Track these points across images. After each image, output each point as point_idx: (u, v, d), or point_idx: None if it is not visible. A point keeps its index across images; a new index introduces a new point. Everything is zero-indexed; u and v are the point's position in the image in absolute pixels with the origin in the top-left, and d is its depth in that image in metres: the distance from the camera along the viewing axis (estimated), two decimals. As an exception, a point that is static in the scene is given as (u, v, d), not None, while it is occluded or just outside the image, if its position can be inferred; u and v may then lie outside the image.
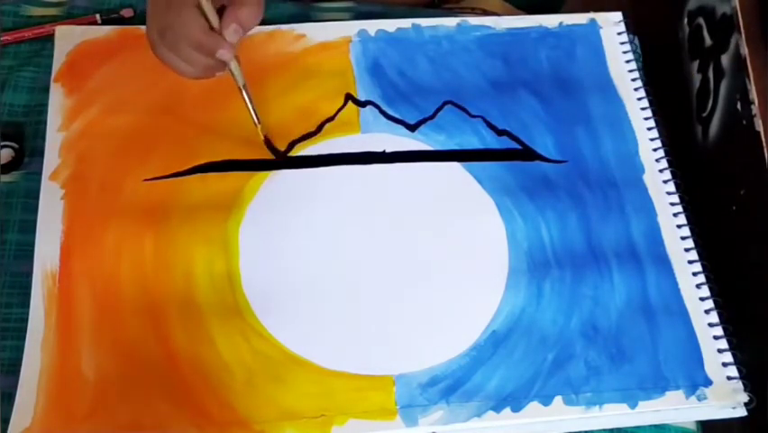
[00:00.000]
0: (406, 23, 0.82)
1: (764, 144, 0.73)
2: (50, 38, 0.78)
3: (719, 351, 0.68)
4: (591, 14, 0.84)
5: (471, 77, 0.80)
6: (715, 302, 0.70)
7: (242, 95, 0.70)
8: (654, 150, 0.77)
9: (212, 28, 0.64)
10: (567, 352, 0.67)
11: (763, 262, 0.75)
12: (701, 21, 0.87)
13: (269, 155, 0.74)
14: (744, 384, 0.66)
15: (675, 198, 0.75)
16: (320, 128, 0.76)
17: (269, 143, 0.74)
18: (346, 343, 0.67)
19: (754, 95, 0.75)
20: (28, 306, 0.67)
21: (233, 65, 0.68)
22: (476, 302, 0.69)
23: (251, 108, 0.72)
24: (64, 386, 0.64)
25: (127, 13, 0.81)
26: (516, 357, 0.67)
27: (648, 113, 0.79)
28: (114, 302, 0.67)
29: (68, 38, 0.78)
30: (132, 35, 0.79)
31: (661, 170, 0.76)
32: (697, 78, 0.87)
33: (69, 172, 0.72)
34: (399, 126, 0.77)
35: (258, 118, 0.72)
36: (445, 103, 0.78)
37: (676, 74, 0.90)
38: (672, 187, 0.75)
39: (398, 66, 0.80)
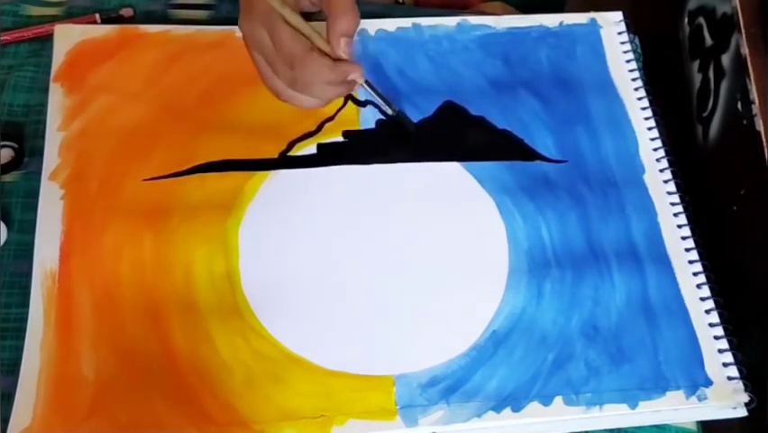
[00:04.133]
0: (406, 22, 0.82)
1: (765, 144, 0.73)
2: (49, 38, 0.78)
3: (720, 351, 0.68)
4: (592, 14, 0.84)
5: (471, 76, 0.80)
6: (715, 302, 0.70)
7: (368, 90, 0.71)
8: (655, 150, 0.77)
9: (329, 56, 0.66)
10: (567, 352, 0.67)
11: (763, 262, 0.75)
12: (702, 20, 0.87)
13: (268, 155, 0.74)
14: (744, 384, 0.66)
15: (675, 198, 0.75)
16: (320, 128, 0.76)
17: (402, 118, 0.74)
18: (346, 343, 0.67)
19: (754, 95, 0.75)
20: (27, 306, 0.66)
21: (359, 78, 0.68)
22: (476, 302, 0.69)
23: (379, 99, 0.72)
24: (63, 386, 0.64)
25: (127, 12, 0.81)
26: (517, 357, 0.67)
27: (648, 113, 0.79)
28: (114, 302, 0.67)
29: (67, 37, 0.78)
30: (131, 34, 0.79)
31: (661, 170, 0.76)
32: (697, 77, 0.87)
33: (69, 172, 0.72)
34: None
35: (387, 101, 0.73)
36: (445, 103, 0.78)
37: (676, 74, 0.90)
38: (672, 187, 0.75)
39: (398, 65, 0.80)
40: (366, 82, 0.70)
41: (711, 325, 0.69)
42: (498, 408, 0.65)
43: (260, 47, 0.66)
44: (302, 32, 0.65)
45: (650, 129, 0.78)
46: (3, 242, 0.70)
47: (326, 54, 0.66)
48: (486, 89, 0.79)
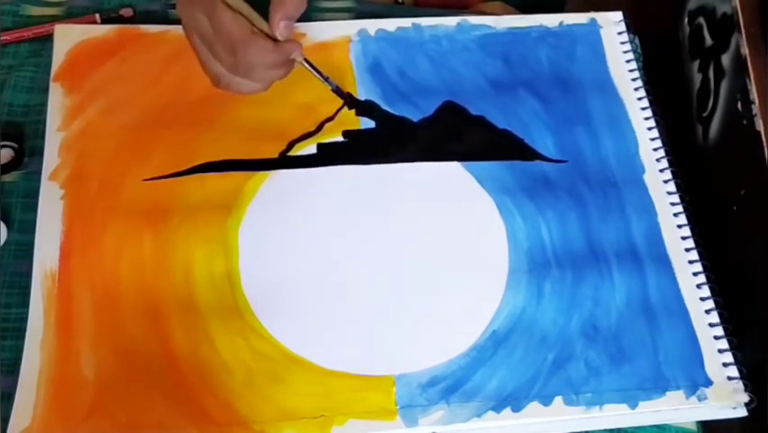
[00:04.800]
0: (406, 22, 0.82)
1: (765, 144, 0.73)
2: (49, 37, 0.78)
3: (720, 351, 0.68)
4: (592, 14, 0.84)
5: (472, 76, 0.80)
6: (715, 302, 0.70)
7: (306, 68, 0.69)
8: (655, 150, 0.77)
9: (269, 36, 0.65)
10: (567, 352, 0.67)
11: (763, 262, 0.75)
12: (702, 20, 0.87)
13: (268, 155, 0.74)
14: (744, 384, 0.66)
15: (675, 198, 0.74)
16: (320, 128, 0.76)
17: (339, 92, 0.73)
18: (346, 343, 0.67)
19: (754, 95, 0.75)
20: (27, 306, 0.67)
21: (299, 57, 0.67)
22: (476, 302, 0.69)
23: (319, 75, 0.70)
24: (63, 386, 0.64)
25: (127, 12, 0.81)
26: (517, 357, 0.67)
27: (648, 113, 0.79)
28: (114, 302, 0.67)
29: (67, 37, 0.78)
30: (131, 34, 0.79)
31: (661, 170, 0.76)
32: (697, 77, 0.87)
33: (69, 172, 0.72)
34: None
35: (326, 78, 0.71)
36: (445, 103, 0.78)
37: (676, 74, 0.90)
38: (672, 187, 0.75)
39: (398, 65, 0.80)
40: (305, 60, 0.69)
41: (711, 325, 0.69)
42: (498, 408, 0.65)
43: (199, 31, 0.64)
44: (242, 14, 0.63)
45: (650, 129, 0.78)
46: (3, 242, 0.70)
47: (267, 36, 0.65)
48: (486, 89, 0.79)
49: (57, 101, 0.75)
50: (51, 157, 0.73)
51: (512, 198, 0.74)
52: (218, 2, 0.63)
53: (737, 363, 0.67)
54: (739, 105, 0.77)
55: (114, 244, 0.69)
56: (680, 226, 0.73)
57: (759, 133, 0.74)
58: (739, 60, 0.78)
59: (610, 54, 0.82)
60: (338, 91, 0.72)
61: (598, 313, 0.69)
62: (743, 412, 0.66)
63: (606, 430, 0.66)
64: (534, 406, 0.65)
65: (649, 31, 0.86)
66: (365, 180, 0.74)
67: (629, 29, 0.83)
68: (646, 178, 0.76)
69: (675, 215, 0.74)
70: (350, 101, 0.75)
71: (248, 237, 0.71)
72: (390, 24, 0.82)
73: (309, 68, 0.70)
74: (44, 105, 0.75)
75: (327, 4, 0.84)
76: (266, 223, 0.71)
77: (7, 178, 0.73)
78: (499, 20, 0.83)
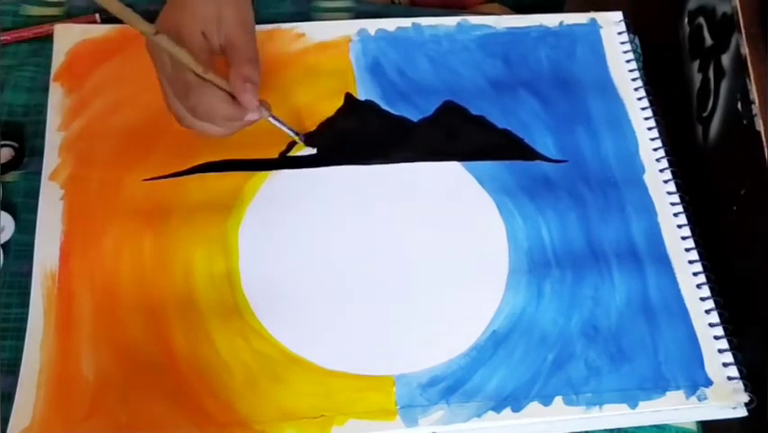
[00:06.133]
0: (406, 22, 0.82)
1: (765, 144, 0.74)
2: (49, 37, 0.78)
3: (720, 351, 0.68)
4: (592, 14, 0.84)
5: (471, 76, 0.80)
6: (715, 302, 0.70)
7: (276, 125, 0.70)
8: (655, 150, 0.77)
9: (231, 95, 0.65)
10: (567, 352, 0.67)
11: (763, 261, 0.75)
12: (702, 20, 0.87)
13: (268, 155, 0.74)
14: (744, 384, 0.66)
15: (675, 198, 0.75)
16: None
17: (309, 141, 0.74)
18: (346, 343, 0.67)
19: (754, 94, 0.75)
20: (27, 306, 0.67)
21: (265, 114, 0.68)
22: (476, 302, 0.69)
23: (288, 131, 0.72)
24: (63, 386, 0.64)
25: (127, 12, 0.81)
26: (517, 357, 0.67)
27: (648, 113, 0.79)
28: (114, 302, 0.67)
29: (67, 37, 0.78)
30: (131, 34, 0.79)
31: (661, 170, 0.76)
32: (697, 77, 0.87)
33: (69, 172, 0.72)
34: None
35: (295, 132, 0.72)
36: (445, 102, 0.78)
37: (676, 74, 0.90)
38: (672, 187, 0.75)
39: (398, 65, 0.80)
40: (272, 116, 0.69)
41: (711, 325, 0.69)
42: (498, 408, 0.65)
43: (164, 71, 0.65)
44: (195, 72, 0.63)
45: (650, 129, 0.78)
46: (11, 235, 0.70)
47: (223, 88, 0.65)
48: (486, 89, 0.79)
49: (57, 101, 0.75)
50: (51, 157, 0.73)
51: (512, 198, 0.74)
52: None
53: (737, 363, 0.67)
54: (739, 106, 0.77)
55: (114, 244, 0.69)
56: (680, 226, 0.73)
57: (759, 133, 0.74)
58: (739, 60, 0.78)
59: (610, 54, 0.82)
60: (308, 142, 0.74)
61: (599, 313, 0.69)
62: (743, 412, 0.66)
63: (606, 430, 0.66)
64: (534, 406, 0.65)
65: (649, 31, 0.86)
66: (365, 180, 0.74)
67: (629, 29, 0.83)
68: (646, 178, 0.76)
69: (675, 215, 0.74)
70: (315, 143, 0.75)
71: (248, 237, 0.71)
72: (390, 24, 0.82)
73: (278, 124, 0.70)
74: (44, 105, 0.75)
75: (327, 4, 0.84)
76: (266, 223, 0.71)
77: (7, 178, 0.73)
78: (499, 20, 0.83)
